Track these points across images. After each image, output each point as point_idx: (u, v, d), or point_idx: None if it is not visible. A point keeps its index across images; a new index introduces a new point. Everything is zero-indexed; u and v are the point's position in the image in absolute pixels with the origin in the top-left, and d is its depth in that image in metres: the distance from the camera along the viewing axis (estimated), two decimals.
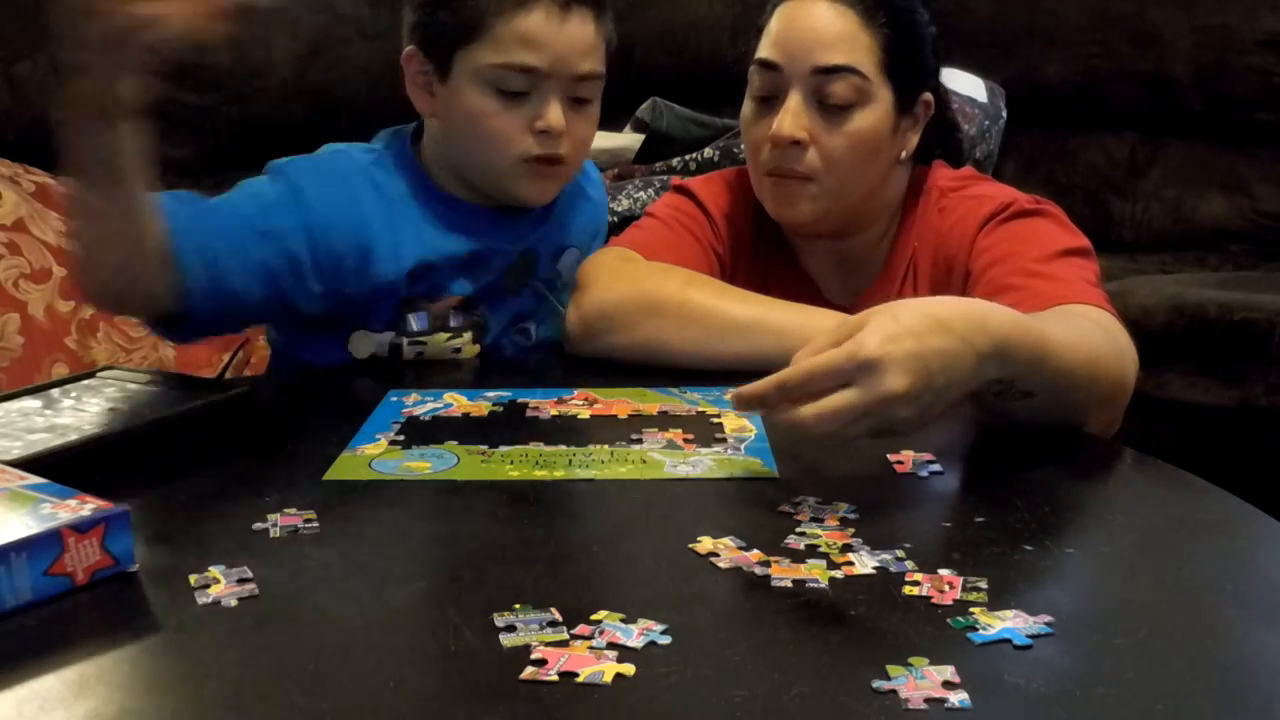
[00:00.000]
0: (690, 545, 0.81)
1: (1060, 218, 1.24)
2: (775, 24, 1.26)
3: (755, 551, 0.80)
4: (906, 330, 0.88)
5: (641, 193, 2.12)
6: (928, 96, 1.29)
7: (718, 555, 0.80)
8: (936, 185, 1.30)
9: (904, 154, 1.29)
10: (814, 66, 1.22)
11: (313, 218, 1.20)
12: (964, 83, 2.24)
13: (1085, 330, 1.05)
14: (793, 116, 1.23)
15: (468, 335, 1.32)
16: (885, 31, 1.24)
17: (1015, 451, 0.98)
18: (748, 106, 1.29)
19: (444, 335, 1.31)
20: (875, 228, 1.31)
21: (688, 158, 2.18)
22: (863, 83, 1.23)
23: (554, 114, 1.23)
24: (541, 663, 0.67)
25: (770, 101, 1.26)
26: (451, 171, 1.30)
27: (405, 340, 1.29)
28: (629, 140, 2.29)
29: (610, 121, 2.37)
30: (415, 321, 1.30)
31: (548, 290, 1.36)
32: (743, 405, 0.92)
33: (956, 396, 0.92)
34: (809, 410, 0.87)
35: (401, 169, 1.29)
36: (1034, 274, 1.15)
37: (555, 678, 0.65)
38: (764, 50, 1.26)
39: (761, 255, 1.35)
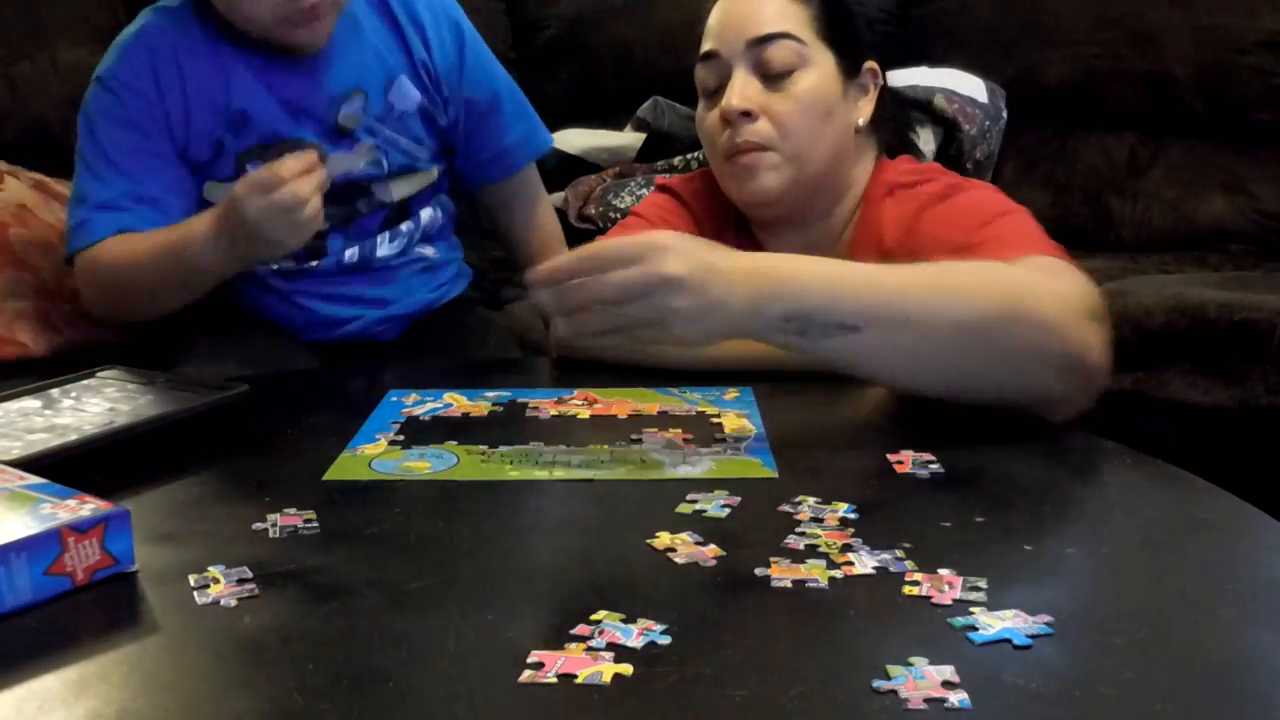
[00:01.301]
0: (648, 541, 0.82)
1: (986, 187, 1.25)
2: (710, 21, 1.29)
3: (711, 546, 0.81)
4: (695, 241, 0.98)
5: (643, 190, 2.12)
6: (873, 65, 1.30)
7: (674, 550, 0.80)
8: (888, 180, 1.29)
9: (861, 122, 1.29)
10: (749, 39, 1.24)
11: (129, 103, 1.42)
12: (964, 83, 2.24)
13: (950, 266, 1.02)
14: (739, 89, 1.24)
15: None
16: (816, 1, 1.26)
17: (1015, 451, 0.98)
18: (701, 108, 1.31)
19: None
20: (837, 216, 1.30)
21: (689, 156, 2.18)
22: (800, 46, 1.24)
23: None
24: (539, 666, 0.67)
25: (718, 93, 1.27)
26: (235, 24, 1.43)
27: None
28: (630, 139, 2.29)
29: (611, 121, 2.38)
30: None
31: (382, 123, 1.48)
32: (540, 280, 0.97)
33: (731, 322, 0.97)
34: (592, 280, 0.95)
35: (191, 24, 1.44)
36: (970, 245, 1.12)
37: (554, 680, 0.65)
38: (703, 45, 1.29)
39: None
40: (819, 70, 1.25)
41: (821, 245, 1.31)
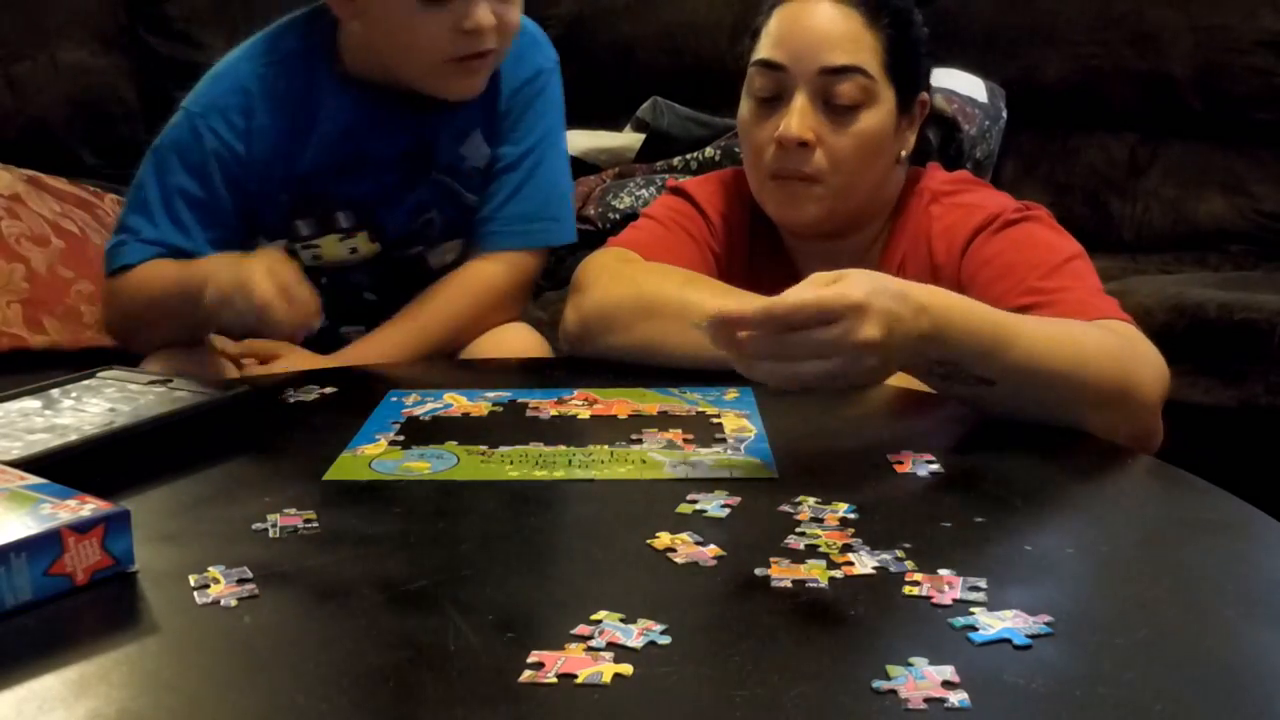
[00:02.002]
0: (647, 541, 0.82)
1: (1048, 221, 1.23)
2: (776, 24, 1.25)
3: (711, 546, 0.81)
4: (883, 289, 0.94)
5: (643, 190, 2.12)
6: (924, 96, 1.30)
7: (674, 550, 0.81)
8: (928, 188, 1.29)
9: (903, 153, 1.29)
10: (821, 67, 1.22)
11: (211, 151, 1.34)
12: (964, 83, 2.24)
13: (1077, 331, 1.05)
14: (800, 117, 1.22)
15: (362, 235, 1.38)
16: (888, 32, 1.23)
17: (1015, 451, 0.98)
18: (746, 108, 1.28)
19: (335, 237, 1.37)
20: (870, 229, 1.31)
21: (688, 157, 2.18)
22: (869, 83, 1.22)
23: (482, 13, 1.23)
24: (539, 666, 0.67)
25: (772, 103, 1.25)
26: (371, 67, 1.33)
27: (299, 245, 1.36)
28: (629, 140, 2.29)
29: (610, 121, 2.38)
30: (304, 227, 1.38)
31: (451, 177, 1.38)
32: (721, 327, 0.93)
33: (899, 365, 0.99)
34: (793, 338, 0.91)
35: (304, 73, 1.34)
36: (1044, 291, 1.13)
37: (554, 680, 0.65)
38: (766, 51, 1.25)
39: (756, 256, 1.35)
40: (881, 109, 1.24)
41: (850, 254, 1.31)
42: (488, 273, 1.39)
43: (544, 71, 1.40)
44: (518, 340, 1.39)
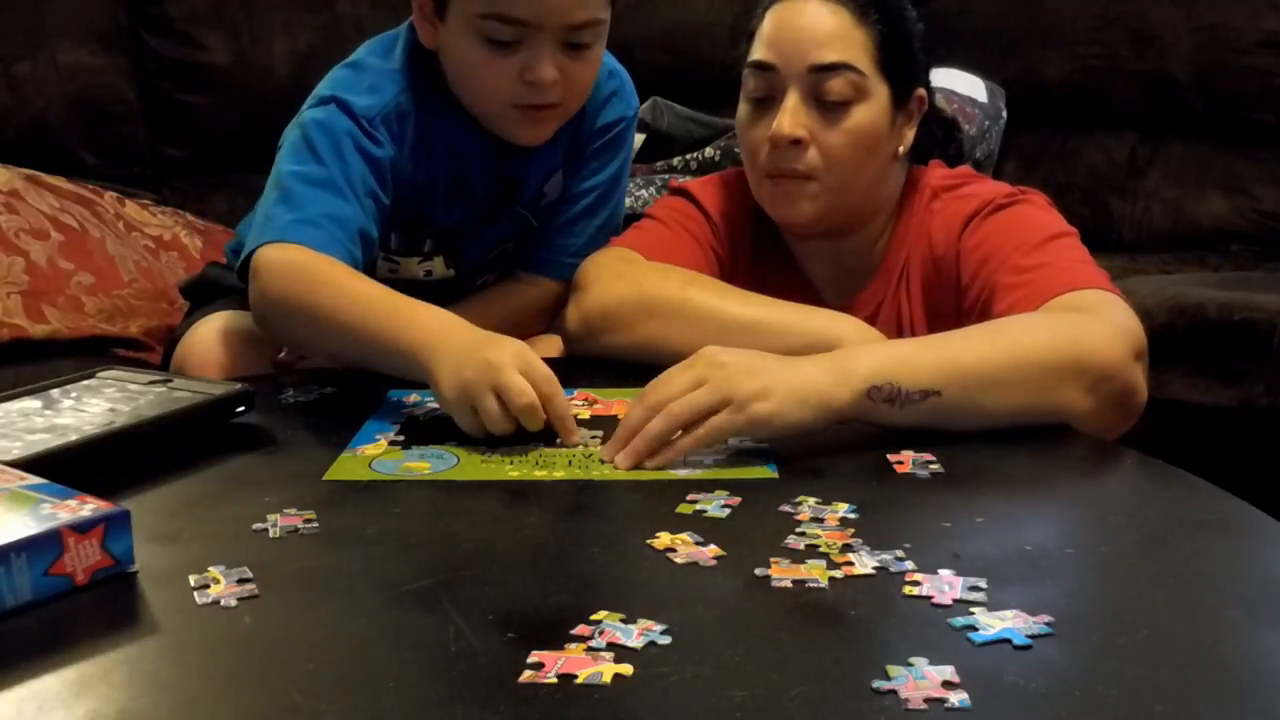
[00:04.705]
0: (647, 541, 0.82)
1: (1040, 203, 1.24)
2: (767, 26, 1.26)
3: (711, 546, 0.81)
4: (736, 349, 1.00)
5: (643, 191, 2.12)
6: (921, 92, 1.30)
7: (674, 550, 0.81)
8: (930, 185, 1.30)
9: (901, 150, 1.29)
10: (811, 65, 1.22)
11: (385, 157, 1.27)
12: (964, 83, 2.24)
13: (1008, 325, 1.07)
14: (791, 115, 1.23)
15: (439, 260, 1.37)
16: (878, 28, 1.24)
17: (1015, 451, 0.98)
18: (743, 110, 1.29)
19: (415, 259, 1.36)
20: (872, 227, 1.31)
21: (688, 157, 2.18)
22: (860, 79, 1.23)
23: (544, 68, 1.22)
24: (539, 666, 0.67)
25: (766, 103, 1.26)
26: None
27: (381, 255, 1.34)
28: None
29: None
30: (394, 239, 1.35)
31: (529, 212, 1.39)
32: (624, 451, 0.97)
33: (821, 394, 0.97)
34: (658, 416, 0.96)
35: (432, 92, 1.30)
36: (1024, 269, 1.15)
37: (554, 680, 0.65)
38: (758, 52, 1.26)
39: (760, 256, 1.35)
40: (874, 105, 1.24)
41: (855, 253, 1.32)
42: (518, 295, 1.42)
43: (624, 119, 1.42)
44: (541, 350, 1.38)
